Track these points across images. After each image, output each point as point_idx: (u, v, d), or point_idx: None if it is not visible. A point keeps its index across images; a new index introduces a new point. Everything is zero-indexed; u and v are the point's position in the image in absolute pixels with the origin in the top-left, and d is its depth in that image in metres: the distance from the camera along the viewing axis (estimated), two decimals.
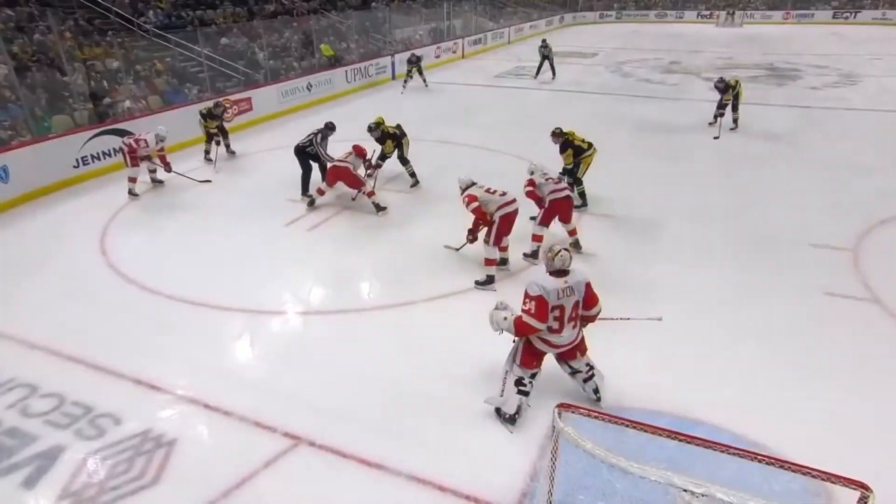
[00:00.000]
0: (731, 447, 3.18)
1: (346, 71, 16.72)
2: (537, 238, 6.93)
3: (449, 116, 14.14)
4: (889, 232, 7.90)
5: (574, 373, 4.55)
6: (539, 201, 6.99)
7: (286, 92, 14.62)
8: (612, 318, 4.77)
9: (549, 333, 4.29)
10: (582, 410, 3.13)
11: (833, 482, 2.80)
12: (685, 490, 2.67)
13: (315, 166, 9.04)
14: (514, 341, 4.42)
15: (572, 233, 7.15)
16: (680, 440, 3.09)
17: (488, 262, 6.51)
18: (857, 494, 2.72)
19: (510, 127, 12.87)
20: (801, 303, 6.21)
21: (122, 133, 10.49)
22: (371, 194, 8.43)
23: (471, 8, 27.91)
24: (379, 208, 8.44)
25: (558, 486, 3.48)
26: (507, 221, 6.44)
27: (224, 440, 4.45)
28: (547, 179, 6.92)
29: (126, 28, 13.88)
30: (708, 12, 40.32)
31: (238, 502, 3.90)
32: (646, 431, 3.16)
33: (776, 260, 7.18)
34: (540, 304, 4.15)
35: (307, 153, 8.95)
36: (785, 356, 5.37)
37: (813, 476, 2.86)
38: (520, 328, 4.26)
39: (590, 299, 4.36)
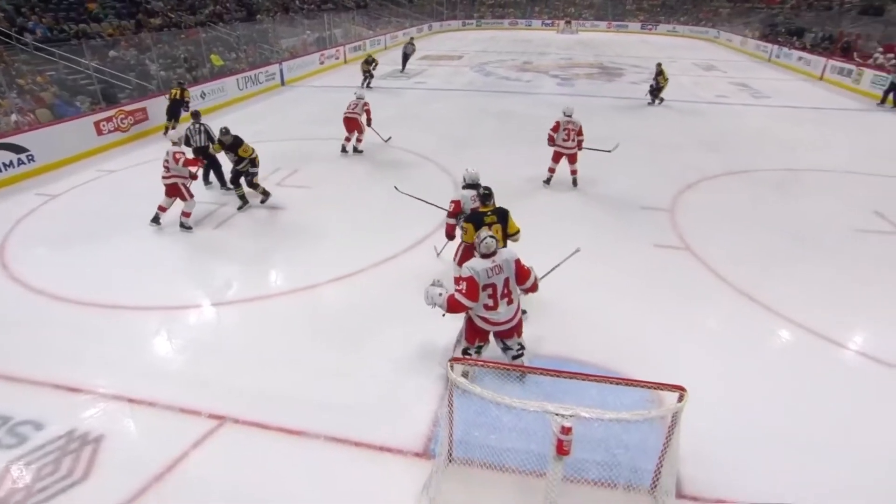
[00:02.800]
0: (589, 375, 3.46)
1: (237, 79, 15.78)
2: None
3: (336, 117, 13.74)
4: (693, 195, 8.79)
5: (505, 349, 4.45)
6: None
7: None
8: (546, 275, 4.80)
9: (486, 311, 4.18)
10: (469, 362, 3.26)
11: (661, 389, 3.15)
12: (556, 414, 2.87)
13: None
14: (443, 315, 4.28)
15: None
16: (551, 376, 3.33)
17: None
18: (677, 395, 3.08)
19: (395, 122, 12.76)
20: (638, 253, 6.78)
21: (10, 147, 9.26)
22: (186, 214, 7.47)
23: (349, 18, 27.24)
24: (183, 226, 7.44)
25: (456, 427, 3.61)
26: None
27: (151, 429, 4.18)
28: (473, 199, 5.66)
29: (4, 42, 12.23)
30: (550, 21, 42.02)
31: (172, 483, 3.71)
32: (523, 373, 3.36)
33: (619, 221, 7.77)
34: (470, 284, 4.07)
35: (206, 150, 8.46)
36: (629, 296, 5.87)
37: (648, 387, 3.20)
38: (451, 305, 4.13)
39: (521, 274, 4.24)
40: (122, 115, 11.64)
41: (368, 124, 10.70)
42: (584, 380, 3.40)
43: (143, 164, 10.26)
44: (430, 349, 4.96)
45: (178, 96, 11.94)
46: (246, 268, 6.65)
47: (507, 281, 4.17)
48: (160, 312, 5.65)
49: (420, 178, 9.42)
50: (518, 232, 5.16)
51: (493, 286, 4.12)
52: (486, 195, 5.20)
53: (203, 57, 16.15)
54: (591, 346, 5.00)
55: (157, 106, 12.40)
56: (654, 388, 3.27)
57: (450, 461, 3.69)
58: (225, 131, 8.00)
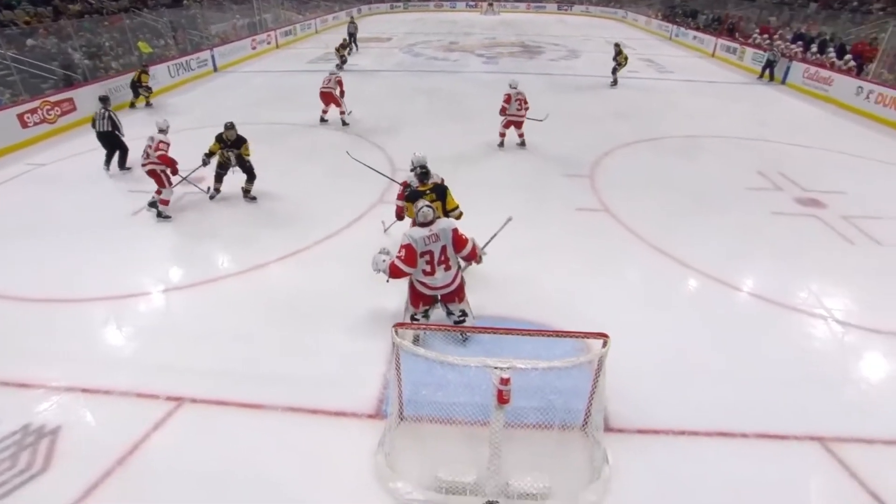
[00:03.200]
0: (523, 330, 3.57)
1: (168, 66, 14.71)
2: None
3: (272, 101, 13.18)
4: (609, 162, 9.09)
5: (448, 314, 4.51)
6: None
7: (111, 90, 12.48)
8: (486, 245, 4.81)
9: (425, 276, 4.23)
10: (413, 326, 3.28)
11: (588, 338, 3.29)
12: (495, 367, 2.95)
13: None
14: (387, 281, 4.32)
15: None
16: (489, 333, 3.41)
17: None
18: (601, 342, 3.23)
19: None
20: (563, 217, 6.97)
21: None
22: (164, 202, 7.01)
23: (278, 3, 25.82)
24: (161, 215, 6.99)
25: (405, 388, 3.65)
26: None
27: (109, 416, 3.99)
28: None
29: None
30: (474, 3, 41.43)
31: (135, 466, 3.58)
32: (465, 334, 3.41)
33: (545, 188, 7.93)
34: (409, 251, 4.11)
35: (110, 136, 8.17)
36: (558, 258, 6.05)
37: (576, 337, 3.33)
38: (392, 271, 4.18)
39: (458, 242, 4.26)
40: (48, 107, 10.65)
41: (341, 96, 10.87)
42: (519, 335, 3.51)
43: (74, 157, 9.47)
44: (378, 317, 4.96)
45: (136, 79, 11.91)
46: (192, 253, 6.35)
47: (444, 248, 4.20)
48: (107, 302, 5.32)
49: (357, 156, 9.19)
50: (457, 208, 5.18)
51: (431, 253, 4.17)
52: (423, 174, 5.18)
53: (130, 44, 14.92)
54: (527, 305, 5.15)
55: (85, 96, 11.40)
56: (581, 338, 3.43)
57: (401, 419, 3.74)
58: (229, 125, 7.11)
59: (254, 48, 20.04)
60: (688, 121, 11.76)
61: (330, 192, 7.78)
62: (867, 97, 12.68)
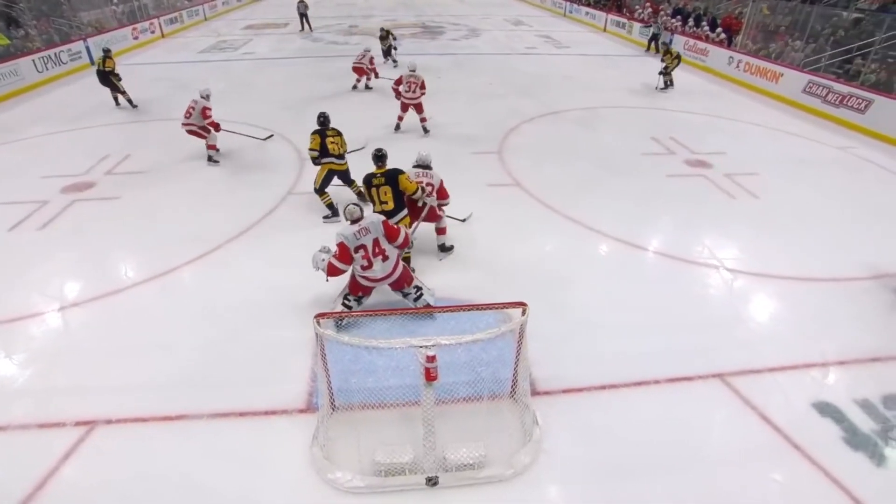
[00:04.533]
0: (446, 307, 3.64)
1: (33, 60, 13.09)
2: None
3: (166, 96, 12.21)
4: (515, 138, 9.36)
5: (405, 296, 4.60)
6: None
7: None
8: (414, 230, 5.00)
9: (363, 270, 4.31)
10: (334, 315, 3.23)
11: (507, 308, 3.41)
12: (420, 346, 2.98)
13: None
14: (326, 280, 4.42)
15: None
16: (411, 314, 3.43)
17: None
18: (520, 310, 3.36)
19: (227, 96, 11.63)
20: (475, 194, 7.09)
21: None
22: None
23: None
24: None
25: (334, 378, 3.60)
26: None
27: (8, 454, 3.59)
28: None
29: None
30: None
31: (48, 500, 3.26)
32: (386, 315, 3.42)
33: (456, 167, 8.00)
34: (342, 249, 4.26)
35: None
36: (475, 234, 6.15)
37: (497, 308, 3.44)
38: (329, 269, 4.32)
39: (389, 232, 4.34)
40: None
41: (376, 76, 12.53)
42: (442, 312, 3.57)
43: None
44: (298, 311, 4.81)
45: (101, 66, 10.70)
46: (89, 265, 5.77)
47: (376, 241, 4.31)
48: None
49: (261, 148, 8.81)
50: (416, 191, 5.18)
51: (364, 247, 4.27)
52: (379, 156, 5.24)
53: None
54: (449, 283, 5.22)
55: None
56: (501, 308, 3.54)
57: (333, 410, 3.70)
58: (323, 119, 6.66)
59: (136, 38, 18.36)
60: (586, 93, 12.32)
61: (233, 189, 7.40)
62: (737, 66, 13.93)
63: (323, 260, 4.41)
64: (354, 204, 4.35)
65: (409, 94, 9.03)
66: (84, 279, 5.52)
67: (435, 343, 2.96)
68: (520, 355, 3.57)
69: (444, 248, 5.73)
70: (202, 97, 7.94)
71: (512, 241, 6.08)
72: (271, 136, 9.23)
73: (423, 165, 5.59)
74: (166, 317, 4.89)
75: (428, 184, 5.39)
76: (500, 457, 3.44)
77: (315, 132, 6.34)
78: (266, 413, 3.85)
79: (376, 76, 12.57)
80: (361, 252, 4.27)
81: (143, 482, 3.38)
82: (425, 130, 9.41)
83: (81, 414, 3.82)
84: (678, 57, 12.71)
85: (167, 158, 8.33)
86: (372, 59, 12.33)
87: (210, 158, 8.16)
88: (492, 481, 3.35)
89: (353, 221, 4.32)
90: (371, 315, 3.50)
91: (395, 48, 15.31)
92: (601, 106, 11.34)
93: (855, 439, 3.72)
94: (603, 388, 4.12)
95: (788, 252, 5.97)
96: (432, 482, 3.30)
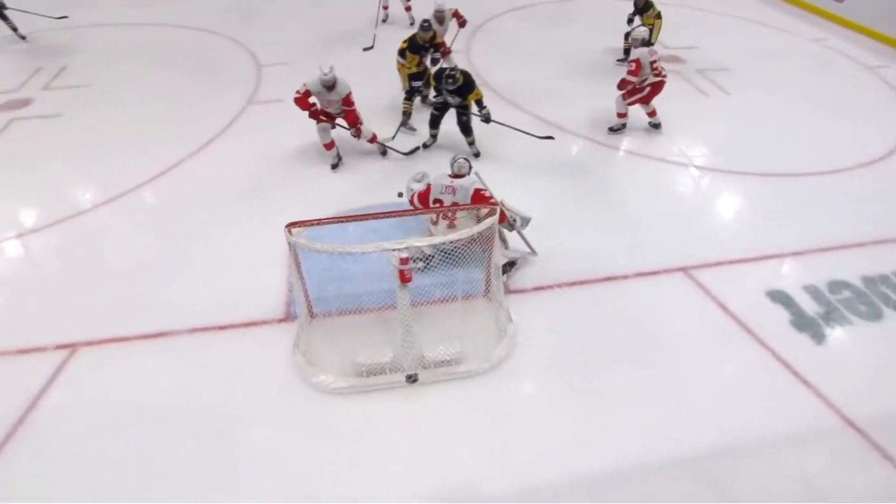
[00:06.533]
0: (420, 210, 3.66)
1: None
2: (623, 115, 6.22)
3: None
4: (481, 34, 8.94)
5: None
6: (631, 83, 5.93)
7: None
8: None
9: (431, 224, 4.20)
10: (307, 223, 3.23)
11: (479, 208, 3.46)
12: (393, 249, 3.04)
13: None
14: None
15: (652, 114, 6.34)
16: (381, 217, 3.46)
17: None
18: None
19: None
20: None
21: None
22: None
23: None
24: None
25: (310, 286, 3.68)
26: None
27: None
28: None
29: None
30: None
31: (37, 423, 3.35)
32: (359, 220, 3.45)
33: None
34: (426, 191, 4.17)
35: None
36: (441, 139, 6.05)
37: (468, 209, 3.49)
38: (411, 200, 4.26)
39: (477, 201, 4.04)
40: None
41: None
42: (416, 214, 3.60)
43: None
44: (270, 221, 4.67)
45: None
46: (40, 190, 5.49)
47: (454, 204, 4.08)
48: None
49: (209, 55, 8.24)
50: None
51: (441, 202, 4.11)
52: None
53: None
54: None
55: None
56: (473, 209, 3.60)
57: (312, 318, 3.81)
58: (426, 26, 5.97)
59: None
60: None
61: (186, 100, 6.98)
62: None
63: (411, 190, 4.32)
64: (465, 158, 4.24)
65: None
66: (40, 204, 5.29)
67: (407, 245, 3.02)
68: (492, 255, 3.68)
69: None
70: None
71: (476, 139, 5.95)
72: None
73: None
74: (133, 236, 4.81)
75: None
76: (477, 353, 3.65)
77: (411, 45, 5.96)
78: (246, 325, 3.94)
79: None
80: (436, 205, 4.12)
81: (129, 400, 3.47)
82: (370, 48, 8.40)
83: (61, 337, 3.84)
84: (659, 15, 7.95)
85: (106, 67, 7.74)
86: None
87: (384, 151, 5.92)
88: (469, 375, 3.58)
89: (454, 175, 4.19)
90: (341, 221, 3.51)
91: None
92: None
93: (801, 321, 4.05)
94: (572, 284, 4.31)
95: (757, 149, 6.07)
96: (412, 379, 3.50)
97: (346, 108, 5.37)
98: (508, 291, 4.12)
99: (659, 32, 7.96)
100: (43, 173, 5.71)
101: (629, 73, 5.81)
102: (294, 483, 3.06)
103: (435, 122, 5.85)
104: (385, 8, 9.22)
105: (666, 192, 5.44)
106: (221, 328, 3.93)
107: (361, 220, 3.45)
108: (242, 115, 6.59)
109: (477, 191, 4.10)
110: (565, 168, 5.73)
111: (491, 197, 4.08)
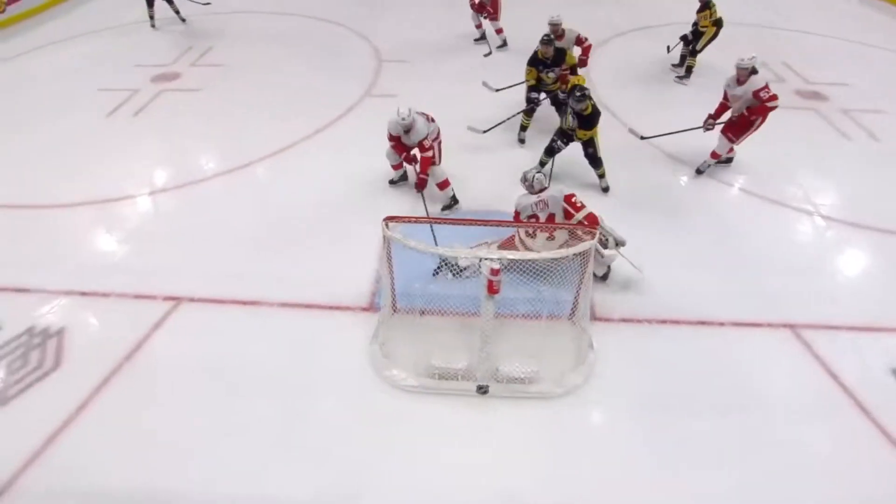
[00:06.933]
0: (519, 223, 3.62)
1: None
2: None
3: None
4: (604, 52, 8.65)
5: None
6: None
7: None
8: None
9: (526, 237, 4.10)
10: (404, 219, 3.32)
11: (577, 229, 3.35)
12: (486, 259, 3.05)
13: None
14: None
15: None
16: (477, 224, 3.48)
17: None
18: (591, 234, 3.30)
19: None
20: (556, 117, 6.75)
21: None
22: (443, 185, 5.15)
23: None
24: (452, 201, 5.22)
25: (398, 281, 3.78)
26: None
27: (109, 318, 4.13)
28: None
29: None
30: None
31: (141, 361, 3.79)
32: (456, 223, 3.49)
33: None
34: (516, 216, 4.16)
35: None
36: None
37: (566, 228, 3.38)
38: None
39: (570, 209, 3.98)
40: None
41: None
42: (510, 226, 3.57)
43: (43, 47, 8.84)
44: (368, 212, 4.85)
45: None
46: (173, 154, 6.19)
47: (551, 217, 4.05)
48: (91, 207, 5.29)
49: (335, 45, 8.71)
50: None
51: (536, 217, 4.09)
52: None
53: None
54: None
55: None
56: (571, 228, 3.52)
57: (394, 311, 3.92)
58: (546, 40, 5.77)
59: None
60: (690, 4, 11.02)
61: (312, 88, 7.44)
62: None
63: (532, 185, 4.13)
64: (539, 172, 4.16)
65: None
66: (171, 167, 5.96)
67: (501, 257, 3.01)
68: (584, 279, 3.57)
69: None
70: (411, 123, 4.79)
71: (584, 165, 5.78)
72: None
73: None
74: (242, 208, 5.23)
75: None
76: (552, 375, 3.57)
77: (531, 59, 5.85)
78: (330, 308, 4.14)
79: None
80: (532, 220, 4.08)
81: (218, 356, 3.81)
82: (503, 43, 8.60)
83: (169, 290, 4.28)
84: (719, 22, 7.37)
85: (247, 51, 8.45)
86: None
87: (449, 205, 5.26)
88: (540, 397, 3.51)
89: (535, 191, 4.12)
90: (437, 222, 3.58)
91: None
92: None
93: None
94: (664, 322, 4.09)
95: None
96: (483, 390, 3.49)
97: (421, 153, 4.87)
98: (594, 318, 3.99)
99: (708, 41, 7.45)
100: (178, 140, 6.39)
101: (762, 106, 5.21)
102: (350, 463, 3.20)
103: (550, 152, 5.43)
104: (478, 26, 8.52)
105: (781, 239, 4.98)
106: (308, 306, 4.16)
107: (458, 224, 3.49)
108: (359, 105, 6.92)
109: (567, 197, 4.02)
110: (673, 200, 5.42)
111: (582, 204, 3.98)
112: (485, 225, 3.56)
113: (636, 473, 3.18)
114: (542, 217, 4.06)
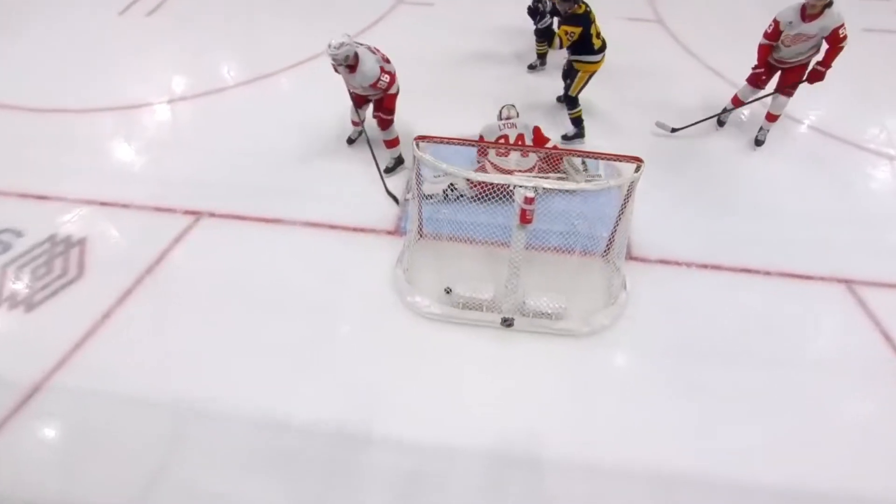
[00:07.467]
0: (555, 149, 3.36)
1: None
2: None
3: None
4: None
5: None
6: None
7: None
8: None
9: (497, 157, 3.98)
10: (435, 139, 3.08)
11: (620, 161, 3.10)
12: (520, 186, 2.82)
13: None
14: None
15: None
16: (519, 149, 3.24)
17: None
18: (634, 166, 3.04)
19: None
20: (611, 28, 6.03)
21: None
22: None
23: None
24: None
25: (425, 204, 3.60)
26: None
27: (131, 228, 4.08)
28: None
29: None
30: None
31: (163, 274, 3.77)
32: (490, 146, 3.25)
33: None
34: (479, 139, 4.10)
35: None
36: (603, 77, 5.28)
37: (607, 159, 3.15)
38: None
39: (538, 142, 4.10)
40: None
41: None
42: (549, 152, 3.32)
43: None
44: (399, 129, 4.60)
45: None
46: (193, 60, 5.85)
47: (521, 136, 4.09)
48: (110, 114, 5.11)
49: None
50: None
51: (506, 137, 4.09)
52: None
53: None
54: (561, 124, 4.82)
55: None
56: (613, 160, 3.23)
57: (420, 236, 3.77)
58: None
59: None
60: None
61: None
62: None
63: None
64: (511, 105, 4.33)
65: None
66: (189, 74, 5.64)
67: (536, 185, 2.78)
68: (623, 214, 3.33)
69: None
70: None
71: (637, 87, 5.34)
72: None
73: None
74: (266, 122, 4.99)
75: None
76: (580, 313, 3.42)
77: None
78: (355, 229, 4.01)
79: None
80: (501, 140, 4.04)
81: (239, 272, 3.76)
82: None
83: (190, 204, 4.18)
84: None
85: None
86: None
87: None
88: (566, 334, 3.39)
89: (502, 118, 4.24)
90: (470, 144, 3.33)
91: None
92: None
93: None
94: (705, 266, 3.84)
95: None
96: (507, 323, 3.38)
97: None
98: (630, 258, 3.76)
99: None
100: (197, 44, 6.02)
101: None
102: (368, 385, 3.19)
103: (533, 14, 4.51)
104: None
105: (849, 185, 4.52)
106: (332, 227, 4.04)
107: (492, 146, 3.24)
108: (391, 13, 6.41)
109: (537, 128, 4.13)
110: (727, 135, 4.95)
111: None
112: (520, 149, 3.30)
113: (659, 423, 3.07)
114: (511, 136, 4.01)
